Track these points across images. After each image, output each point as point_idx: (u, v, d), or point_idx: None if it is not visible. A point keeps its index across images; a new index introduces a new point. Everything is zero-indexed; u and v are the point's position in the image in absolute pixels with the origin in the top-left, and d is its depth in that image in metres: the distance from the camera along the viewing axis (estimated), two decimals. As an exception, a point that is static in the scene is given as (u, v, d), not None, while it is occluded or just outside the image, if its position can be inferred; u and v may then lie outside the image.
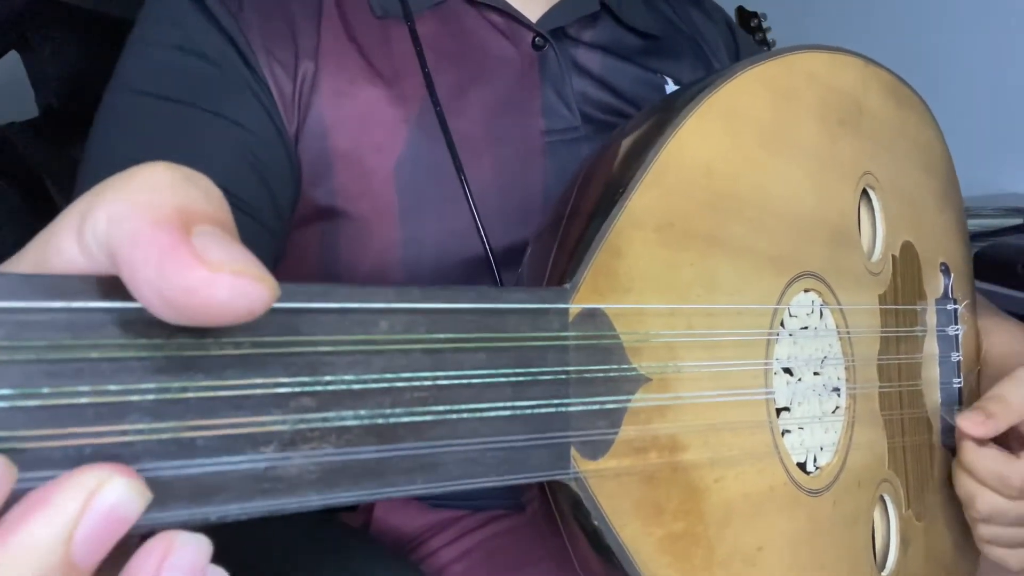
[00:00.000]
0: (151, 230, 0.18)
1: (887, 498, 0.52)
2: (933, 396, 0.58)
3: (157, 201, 0.19)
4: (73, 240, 0.20)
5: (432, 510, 0.64)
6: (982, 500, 0.53)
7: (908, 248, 0.55)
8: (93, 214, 0.19)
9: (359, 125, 0.58)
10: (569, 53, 0.65)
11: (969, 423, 0.52)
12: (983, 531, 0.55)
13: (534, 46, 0.64)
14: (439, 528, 0.64)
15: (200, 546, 0.20)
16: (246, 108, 0.56)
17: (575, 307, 0.32)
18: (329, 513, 0.65)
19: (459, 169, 0.56)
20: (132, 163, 0.56)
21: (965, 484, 0.54)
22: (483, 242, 0.55)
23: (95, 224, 0.19)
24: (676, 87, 0.69)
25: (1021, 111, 1.36)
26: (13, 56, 1.11)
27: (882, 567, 0.52)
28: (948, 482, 0.59)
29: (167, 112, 0.54)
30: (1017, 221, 1.14)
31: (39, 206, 1.03)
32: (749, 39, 0.80)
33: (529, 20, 0.64)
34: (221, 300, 0.18)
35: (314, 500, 0.23)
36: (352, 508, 0.65)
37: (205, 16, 0.57)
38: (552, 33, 0.64)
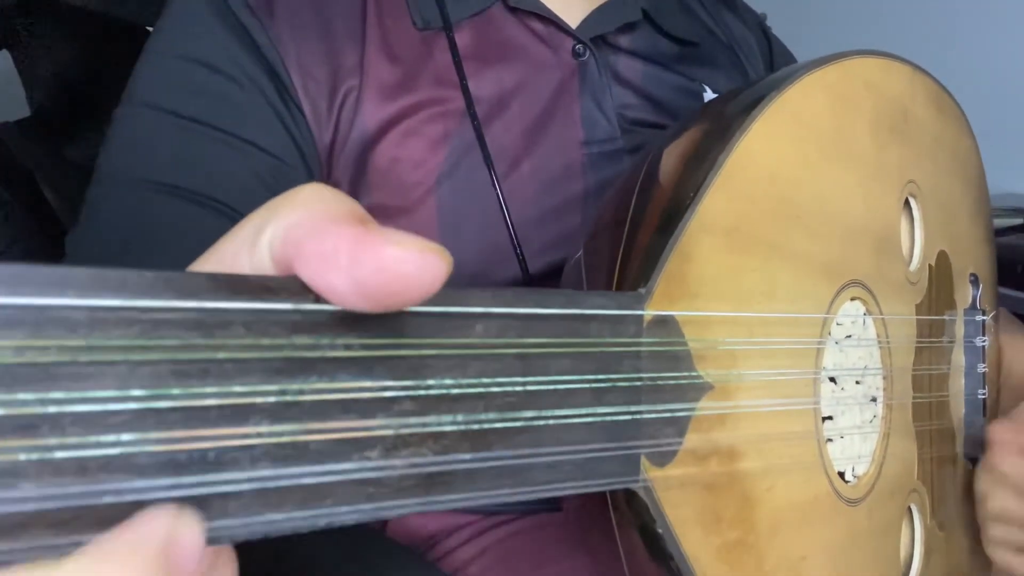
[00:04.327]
0: (336, 225, 0.19)
1: (914, 508, 0.52)
2: (958, 407, 0.58)
3: (330, 207, 0.20)
4: (246, 255, 0.20)
5: (448, 514, 0.63)
6: (994, 497, 0.55)
7: (943, 257, 0.55)
8: (270, 227, 0.20)
9: (400, 141, 0.57)
10: (609, 61, 0.64)
11: (1000, 431, 0.54)
12: (993, 531, 0.55)
13: (574, 54, 0.63)
14: (454, 529, 0.63)
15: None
16: (266, 130, 0.55)
17: (649, 313, 0.31)
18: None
19: (497, 186, 0.55)
20: (148, 184, 0.54)
21: (983, 481, 0.55)
22: (519, 260, 0.55)
23: (272, 236, 0.20)
24: (714, 95, 0.68)
25: (1021, 111, 1.37)
26: (4, 55, 1.09)
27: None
28: (968, 494, 0.59)
29: (183, 130, 0.53)
30: (1017, 221, 1.15)
31: (32, 206, 1.02)
32: (781, 42, 0.80)
33: (569, 27, 0.63)
34: (409, 273, 0.19)
35: (413, 505, 0.23)
36: None
37: (230, 28, 0.55)
38: (592, 40, 0.63)
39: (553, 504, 0.62)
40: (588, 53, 0.63)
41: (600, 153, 0.62)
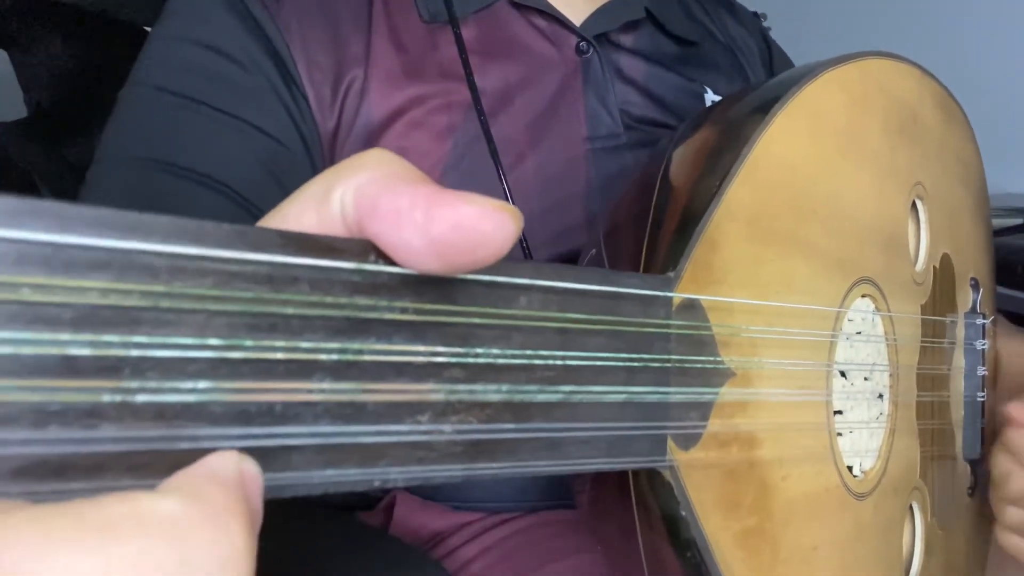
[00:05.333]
0: (409, 184, 0.19)
1: (915, 506, 0.53)
2: (958, 409, 0.59)
3: (399, 169, 0.20)
4: (313, 214, 0.20)
5: (452, 512, 0.64)
6: (1016, 478, 0.54)
7: (946, 260, 0.56)
8: (339, 187, 0.20)
9: (406, 132, 0.58)
10: (612, 59, 0.65)
11: (1019, 408, 0.53)
12: (1010, 515, 0.55)
13: (578, 51, 0.64)
14: (457, 528, 0.63)
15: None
16: (270, 114, 0.55)
17: (678, 296, 0.32)
18: (348, 514, 0.65)
19: (503, 179, 0.56)
20: (149, 162, 0.55)
21: (1003, 463, 0.54)
22: (524, 253, 0.56)
23: (343, 194, 0.20)
24: (715, 97, 0.69)
25: (1021, 111, 1.38)
26: (1, 55, 1.09)
27: (907, 572, 0.53)
28: (966, 494, 0.60)
29: (188, 111, 0.54)
30: (1017, 221, 1.15)
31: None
32: (782, 49, 0.81)
33: (573, 24, 0.64)
34: (486, 231, 0.19)
35: (457, 471, 0.23)
36: (370, 507, 0.65)
37: (237, 14, 0.56)
38: (595, 38, 0.64)
39: (563, 501, 0.63)
40: (591, 50, 0.64)
41: (603, 148, 0.63)
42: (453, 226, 0.19)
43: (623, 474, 0.36)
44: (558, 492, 0.63)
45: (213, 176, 0.52)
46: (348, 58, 0.58)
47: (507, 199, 0.57)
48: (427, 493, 0.63)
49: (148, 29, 0.59)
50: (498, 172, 0.57)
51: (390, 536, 0.63)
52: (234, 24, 0.55)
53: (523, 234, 0.57)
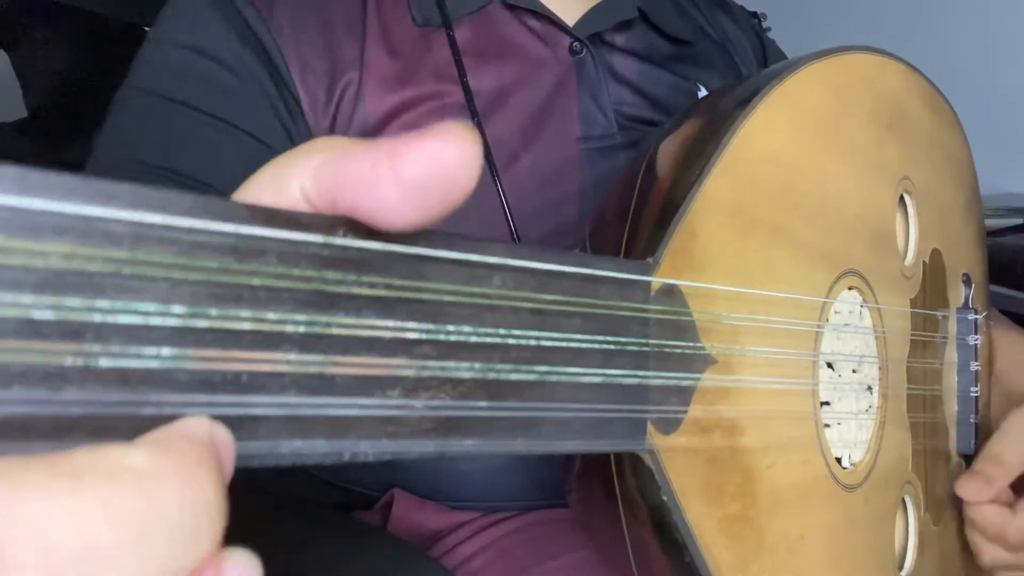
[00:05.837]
0: (367, 148, 0.20)
1: (908, 500, 0.53)
2: (951, 403, 0.59)
3: (350, 142, 0.20)
4: (270, 197, 0.21)
5: (449, 511, 0.64)
6: (987, 554, 0.56)
7: (936, 255, 0.56)
8: (296, 175, 0.20)
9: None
10: (606, 59, 0.66)
11: (969, 491, 0.54)
12: None
13: (571, 51, 0.64)
14: (455, 527, 0.64)
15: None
16: (258, 117, 0.56)
17: (656, 281, 0.32)
18: (346, 511, 0.65)
19: (497, 180, 0.56)
20: (141, 166, 0.56)
21: (971, 536, 0.57)
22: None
23: (302, 180, 0.20)
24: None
25: (1021, 111, 1.38)
26: (1, 55, 1.10)
27: (900, 567, 0.53)
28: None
29: (180, 117, 0.54)
30: (1017, 221, 1.15)
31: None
32: (776, 46, 0.81)
33: (567, 24, 0.64)
34: (453, 160, 0.20)
35: (430, 448, 0.23)
36: (368, 507, 0.65)
37: (229, 19, 0.56)
38: (589, 38, 0.65)
39: (560, 500, 0.63)
40: (585, 51, 0.64)
41: (597, 149, 0.63)
42: (423, 164, 0.19)
43: (607, 465, 0.37)
44: (555, 491, 0.63)
45: (202, 179, 0.53)
46: (343, 62, 0.58)
47: (502, 200, 0.57)
48: (424, 492, 0.64)
49: (148, 30, 0.60)
50: (492, 173, 0.57)
51: (389, 534, 0.64)
52: (226, 29, 0.56)
53: (518, 233, 0.57)
